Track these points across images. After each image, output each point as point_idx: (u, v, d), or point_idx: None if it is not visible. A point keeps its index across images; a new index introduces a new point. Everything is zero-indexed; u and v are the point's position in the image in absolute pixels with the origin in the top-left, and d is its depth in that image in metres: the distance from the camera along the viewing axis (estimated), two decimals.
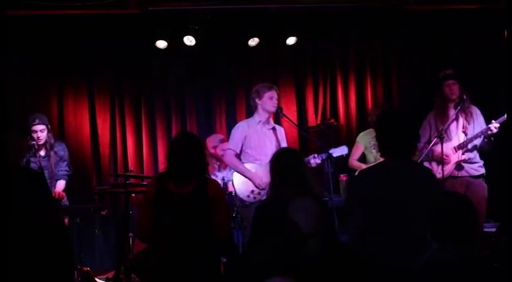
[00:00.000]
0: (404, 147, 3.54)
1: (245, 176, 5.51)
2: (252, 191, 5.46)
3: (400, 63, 7.68)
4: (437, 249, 2.94)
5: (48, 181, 5.62)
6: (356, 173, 6.07)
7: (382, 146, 3.61)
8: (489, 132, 5.57)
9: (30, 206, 3.14)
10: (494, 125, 5.55)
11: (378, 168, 3.71)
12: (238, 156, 5.65)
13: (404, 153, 3.54)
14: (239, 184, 5.56)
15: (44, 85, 7.14)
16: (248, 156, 5.59)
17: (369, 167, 4.47)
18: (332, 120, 7.38)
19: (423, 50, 7.49)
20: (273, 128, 5.72)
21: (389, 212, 3.42)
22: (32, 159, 5.87)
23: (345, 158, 6.19)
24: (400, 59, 7.69)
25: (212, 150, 6.28)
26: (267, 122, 5.71)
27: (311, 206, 3.29)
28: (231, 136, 5.72)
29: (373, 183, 3.52)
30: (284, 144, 5.70)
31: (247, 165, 5.55)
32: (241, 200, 5.53)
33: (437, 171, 5.64)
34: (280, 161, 4.05)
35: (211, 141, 6.37)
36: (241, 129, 5.66)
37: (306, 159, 5.47)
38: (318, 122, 7.49)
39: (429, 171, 3.91)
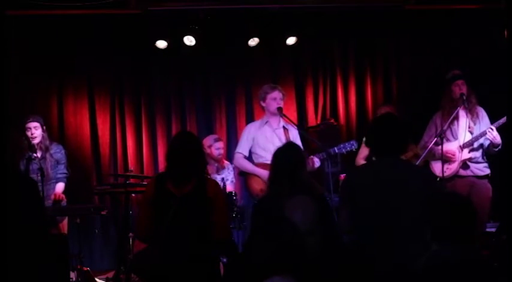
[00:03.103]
0: (393, 146, 3.55)
1: (255, 174, 5.58)
2: (261, 190, 5.50)
3: (400, 63, 7.68)
4: (437, 249, 2.94)
5: (42, 183, 5.62)
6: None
7: (372, 145, 3.64)
8: (487, 135, 5.60)
9: (21, 213, 3.14)
10: (490, 130, 5.58)
11: (367, 166, 3.73)
12: (247, 158, 5.73)
13: (393, 152, 3.55)
14: (249, 185, 5.65)
15: (44, 85, 7.14)
16: (257, 157, 5.73)
17: (359, 166, 4.47)
18: (332, 120, 7.38)
19: (423, 50, 7.48)
20: (284, 128, 5.77)
21: (380, 210, 3.41)
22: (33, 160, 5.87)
23: (349, 157, 6.22)
24: (400, 59, 7.68)
25: (208, 150, 6.28)
26: (276, 122, 5.77)
27: (308, 204, 3.29)
28: (240, 139, 5.93)
29: (362, 181, 3.53)
30: (297, 143, 5.72)
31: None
32: (251, 200, 5.59)
33: (442, 170, 5.65)
34: (276, 157, 4.07)
35: (206, 141, 6.39)
36: (247, 131, 5.83)
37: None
38: (318, 122, 7.49)
39: (421, 169, 3.91)
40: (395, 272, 3.21)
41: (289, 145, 4.41)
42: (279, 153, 4.10)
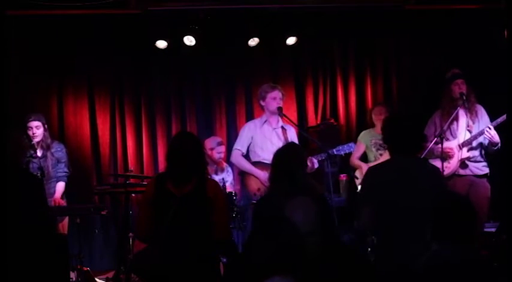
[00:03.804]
0: (412, 145, 3.57)
1: (251, 174, 5.58)
2: (258, 189, 5.50)
3: (400, 63, 7.68)
4: (437, 249, 2.94)
5: (44, 182, 5.62)
6: (364, 170, 6.11)
7: (390, 144, 3.65)
8: (485, 135, 5.60)
9: (25, 207, 3.15)
10: (487, 129, 5.58)
11: (386, 165, 3.75)
12: (244, 156, 5.73)
13: (411, 151, 3.57)
14: (246, 183, 5.65)
15: (44, 85, 7.14)
16: (255, 156, 5.73)
17: (378, 164, 4.47)
18: (332, 120, 7.38)
19: (423, 50, 7.48)
20: (282, 128, 5.77)
21: (399, 208, 3.43)
22: (33, 160, 5.87)
23: (349, 157, 6.24)
24: (400, 59, 7.68)
25: (209, 152, 6.26)
26: (275, 121, 5.77)
27: (309, 204, 3.30)
28: (239, 136, 5.92)
29: (380, 180, 3.55)
30: None
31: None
32: (249, 199, 5.58)
33: (441, 168, 5.66)
34: (277, 157, 4.08)
35: (209, 143, 6.37)
36: (247, 129, 5.82)
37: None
38: (318, 122, 7.49)
39: (436, 169, 3.92)
40: (401, 272, 3.21)
41: (290, 145, 4.43)
42: (279, 153, 4.11)
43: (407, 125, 3.62)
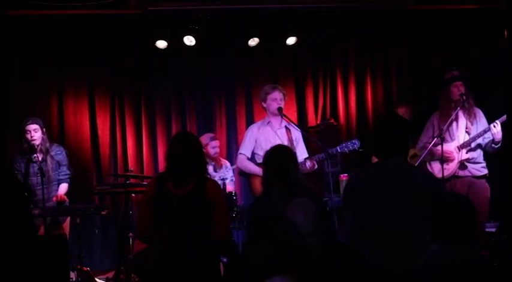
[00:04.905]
0: (395, 147, 3.54)
1: (257, 175, 5.59)
2: None
3: (400, 63, 7.68)
4: (437, 249, 2.94)
5: (45, 186, 5.62)
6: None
7: (374, 147, 3.64)
8: (491, 131, 5.60)
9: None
10: (494, 125, 5.57)
11: (370, 168, 3.74)
12: (250, 159, 5.77)
13: (396, 153, 3.54)
14: (252, 186, 5.68)
15: (44, 85, 7.14)
16: (260, 157, 5.76)
17: (362, 167, 4.49)
18: (332, 120, 7.38)
19: (423, 50, 7.49)
20: (286, 128, 5.77)
21: (380, 212, 3.41)
22: (33, 163, 5.87)
23: (350, 156, 6.22)
24: (400, 59, 7.69)
25: (204, 149, 6.23)
26: (277, 122, 5.78)
27: (309, 205, 3.30)
28: (243, 141, 5.94)
29: (364, 182, 3.53)
30: (300, 143, 5.75)
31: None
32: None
33: (441, 170, 5.66)
34: (266, 159, 4.09)
35: (202, 140, 6.36)
36: (250, 133, 5.85)
37: (300, 163, 5.54)
38: (318, 122, 7.49)
39: (423, 171, 3.90)
40: (398, 273, 3.21)
41: (278, 146, 4.43)
42: (268, 155, 4.14)
43: (385, 127, 3.60)
